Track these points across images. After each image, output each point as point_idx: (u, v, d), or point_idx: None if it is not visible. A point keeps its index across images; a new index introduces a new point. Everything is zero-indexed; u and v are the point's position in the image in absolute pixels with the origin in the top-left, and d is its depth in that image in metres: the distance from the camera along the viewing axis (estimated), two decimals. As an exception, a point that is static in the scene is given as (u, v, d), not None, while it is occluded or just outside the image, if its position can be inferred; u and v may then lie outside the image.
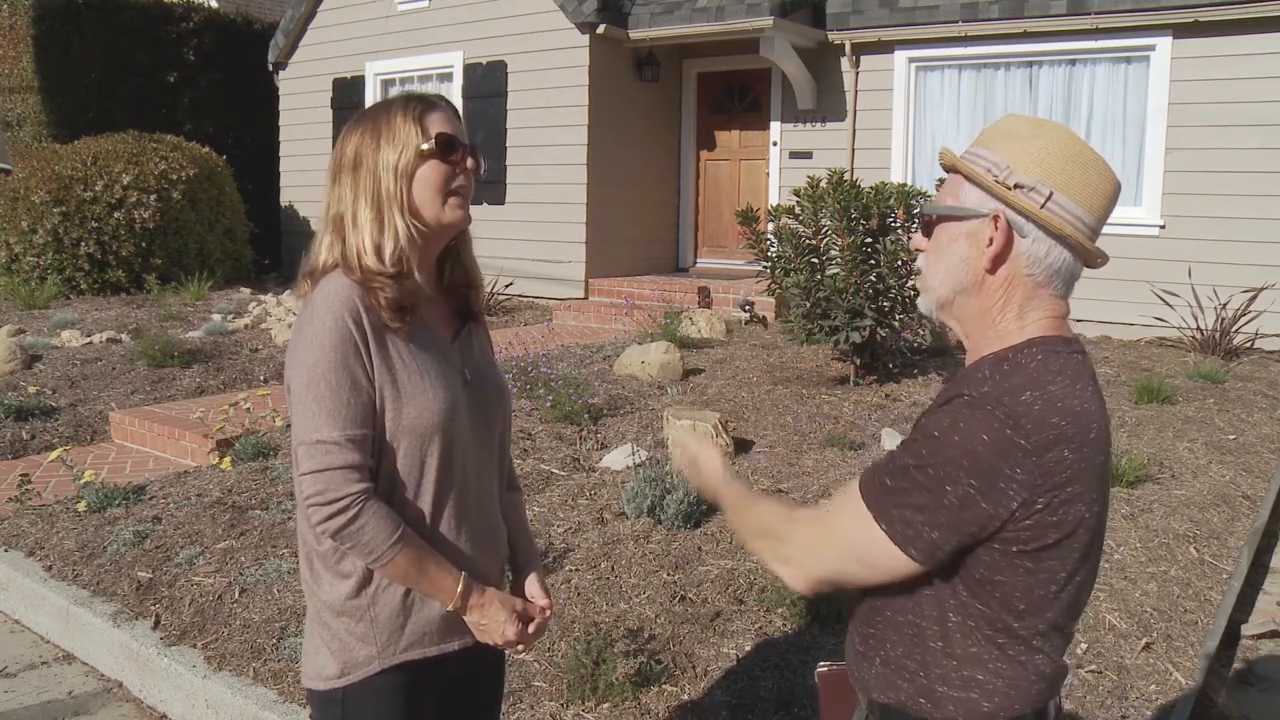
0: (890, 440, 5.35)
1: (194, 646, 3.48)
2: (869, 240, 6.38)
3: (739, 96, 11.21)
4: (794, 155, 10.67)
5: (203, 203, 11.66)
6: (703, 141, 11.50)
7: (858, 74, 10.10)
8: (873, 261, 6.34)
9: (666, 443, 5.21)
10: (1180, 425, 5.81)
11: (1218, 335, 7.83)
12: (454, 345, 1.79)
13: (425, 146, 1.67)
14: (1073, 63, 9.16)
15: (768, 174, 10.95)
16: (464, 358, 1.81)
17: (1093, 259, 1.39)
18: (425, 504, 1.70)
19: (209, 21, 14.33)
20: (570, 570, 3.82)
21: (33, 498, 4.92)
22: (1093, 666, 3.19)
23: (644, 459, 4.84)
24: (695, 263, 11.62)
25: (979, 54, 9.44)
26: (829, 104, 10.35)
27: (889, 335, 6.66)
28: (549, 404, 5.76)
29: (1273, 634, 3.73)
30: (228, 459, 5.32)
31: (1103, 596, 3.64)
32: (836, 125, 10.33)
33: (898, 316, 6.53)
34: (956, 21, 9.30)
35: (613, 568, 3.83)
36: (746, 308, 9.17)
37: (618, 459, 4.98)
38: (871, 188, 6.49)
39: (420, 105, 1.70)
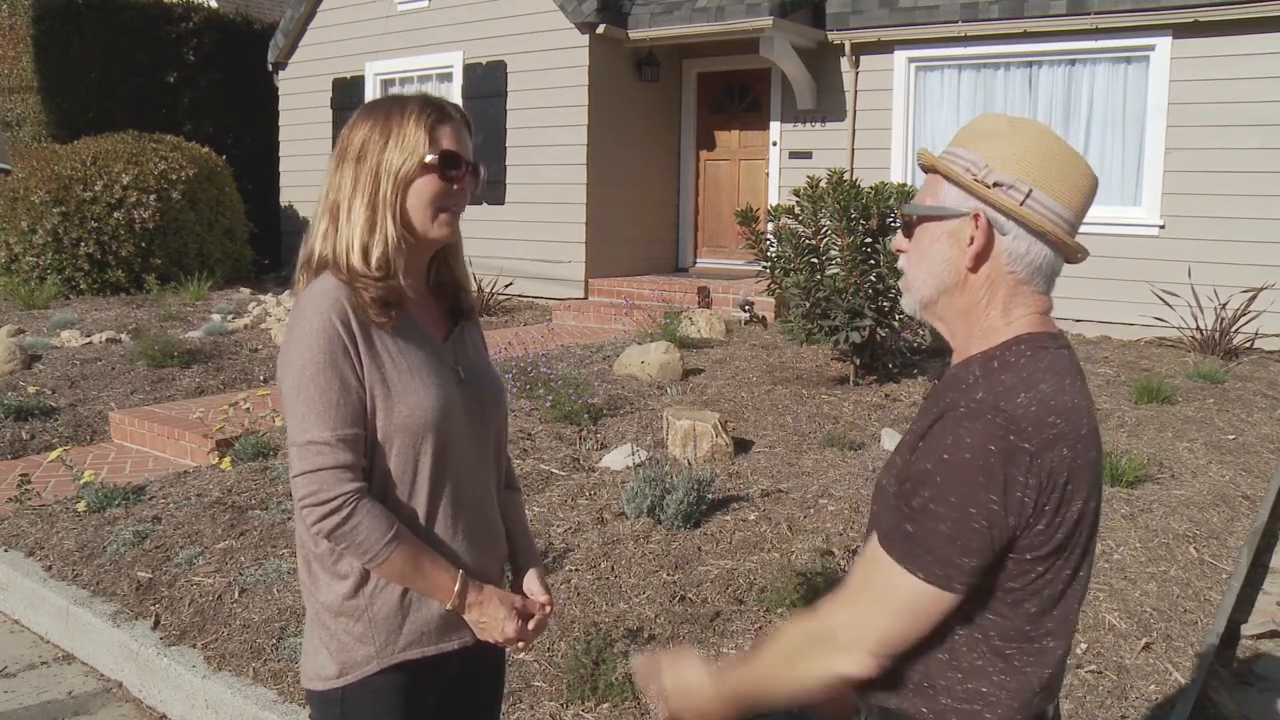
0: (890, 440, 5.35)
1: (194, 646, 3.48)
2: (869, 240, 6.38)
3: (739, 96, 11.21)
4: (794, 155, 10.67)
5: (202, 203, 11.66)
6: (703, 141, 11.50)
7: (857, 74, 10.10)
8: (873, 261, 6.34)
9: (666, 443, 5.22)
10: (1180, 425, 5.81)
11: (1217, 335, 7.83)
12: (446, 344, 1.80)
13: (429, 159, 1.67)
14: (1072, 63, 9.16)
15: (767, 174, 10.95)
16: (457, 356, 1.81)
17: (1073, 254, 1.41)
18: (420, 503, 1.70)
19: (209, 21, 14.33)
20: (570, 570, 3.82)
21: (32, 498, 4.92)
22: (1093, 666, 3.19)
23: (644, 459, 4.84)
24: (695, 263, 11.62)
25: (979, 54, 9.44)
26: (829, 104, 10.35)
27: (889, 335, 6.66)
28: (549, 404, 5.76)
29: (1273, 634, 3.73)
30: (227, 459, 5.32)
31: (1103, 596, 3.64)
32: (836, 125, 10.33)
33: (897, 316, 6.53)
34: (956, 21, 9.30)
35: (613, 568, 3.83)
36: (746, 308, 9.17)
37: (617, 459, 4.98)
38: (871, 188, 6.50)
39: (435, 114, 1.70)
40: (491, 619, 1.73)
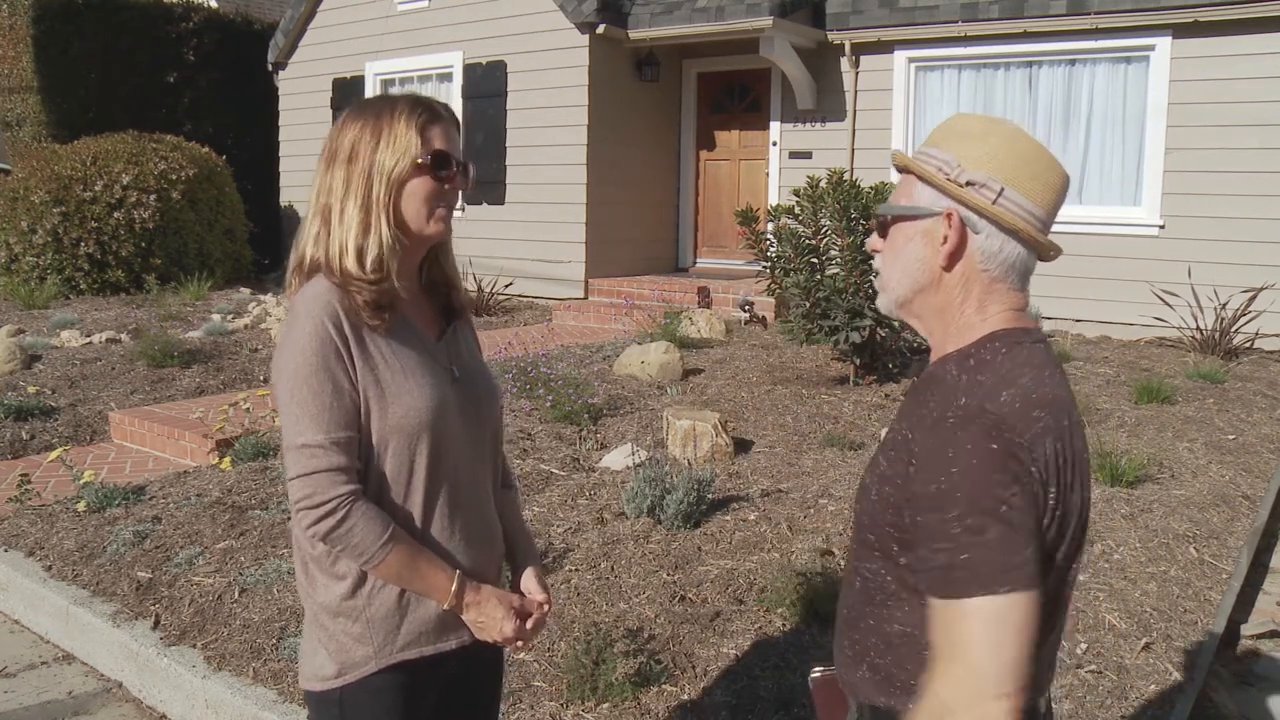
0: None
1: (194, 646, 3.48)
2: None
3: (739, 96, 11.21)
4: (794, 155, 10.67)
5: (202, 203, 11.66)
6: (703, 141, 11.50)
7: (857, 74, 10.10)
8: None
9: (666, 443, 5.22)
10: (1180, 425, 5.81)
11: (1217, 335, 7.83)
12: (439, 344, 1.80)
13: (421, 159, 1.68)
14: (1072, 63, 9.16)
15: (767, 174, 10.95)
16: (450, 355, 1.81)
17: (1045, 252, 1.41)
18: (416, 503, 1.71)
19: (209, 21, 14.34)
20: (570, 570, 3.82)
21: (32, 498, 4.92)
22: (1093, 666, 3.18)
23: (644, 459, 4.84)
24: (695, 263, 11.62)
25: (979, 54, 9.44)
26: (829, 104, 10.35)
27: (889, 335, 6.66)
28: (549, 404, 5.76)
29: (1273, 634, 3.73)
30: (227, 459, 5.32)
31: (1103, 596, 3.64)
32: (836, 125, 10.33)
33: (898, 316, 6.52)
34: (956, 21, 9.30)
35: (612, 568, 3.83)
36: (746, 308, 9.17)
37: (617, 459, 4.98)
38: (871, 188, 6.50)
39: (425, 114, 1.70)
40: (490, 619, 1.73)
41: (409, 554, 1.65)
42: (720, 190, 11.41)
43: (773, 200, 10.64)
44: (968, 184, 1.36)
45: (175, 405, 6.57)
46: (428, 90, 11.49)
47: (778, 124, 10.79)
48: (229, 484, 4.95)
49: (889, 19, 9.66)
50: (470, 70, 11.08)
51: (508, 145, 10.88)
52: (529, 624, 1.81)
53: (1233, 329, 7.81)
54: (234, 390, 7.04)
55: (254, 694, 3.16)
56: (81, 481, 4.90)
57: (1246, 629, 3.76)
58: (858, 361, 6.72)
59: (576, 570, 3.81)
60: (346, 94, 12.19)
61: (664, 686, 3.04)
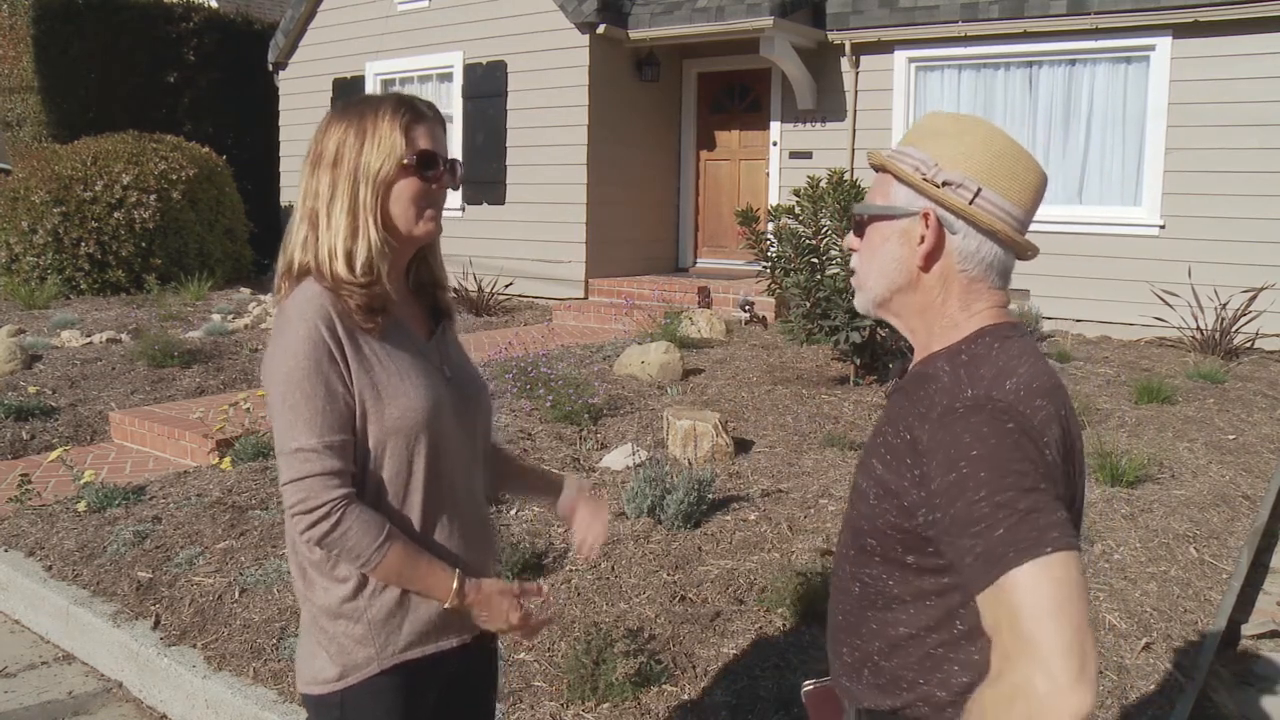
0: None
1: (194, 646, 3.48)
2: (869, 240, 6.38)
3: (739, 96, 11.21)
4: (794, 155, 10.67)
5: (203, 203, 11.66)
6: (703, 141, 11.50)
7: (858, 74, 10.10)
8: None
9: (666, 443, 5.22)
10: (1180, 425, 5.81)
11: (1218, 335, 7.83)
12: (430, 343, 1.80)
13: (407, 160, 1.66)
14: (1073, 63, 9.16)
15: (768, 174, 10.95)
16: (442, 356, 1.81)
17: (1023, 251, 1.40)
18: (415, 503, 1.70)
19: (209, 21, 14.34)
20: (570, 570, 3.82)
21: (33, 498, 4.92)
22: (1093, 666, 3.18)
23: (644, 459, 4.84)
24: (695, 263, 11.62)
25: (979, 54, 9.44)
26: (829, 104, 10.35)
27: (889, 335, 6.66)
28: (549, 404, 5.76)
29: (1273, 634, 3.73)
30: (228, 459, 5.32)
31: (1103, 596, 3.64)
32: (836, 125, 10.33)
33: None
34: (956, 21, 9.30)
35: (613, 568, 3.83)
36: (746, 308, 9.17)
37: (618, 459, 4.98)
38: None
39: (409, 114, 1.68)
40: (495, 610, 1.73)
41: (406, 555, 1.65)
42: (720, 190, 11.41)
43: (773, 200, 10.64)
44: (944, 184, 1.35)
45: (175, 405, 6.57)
46: (428, 90, 11.49)
47: (778, 124, 10.79)
48: (229, 484, 4.95)
49: (889, 19, 9.66)
50: (470, 70, 11.08)
51: (508, 145, 10.88)
52: (535, 611, 1.81)
53: (1233, 329, 7.81)
54: (234, 390, 7.04)
55: (254, 694, 3.16)
56: (82, 481, 4.90)
57: (1247, 629, 3.75)
58: (858, 361, 6.72)
59: (577, 570, 3.81)
60: (347, 94, 12.18)
61: (664, 686, 3.04)
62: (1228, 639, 3.64)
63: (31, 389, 6.83)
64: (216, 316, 9.51)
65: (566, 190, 10.48)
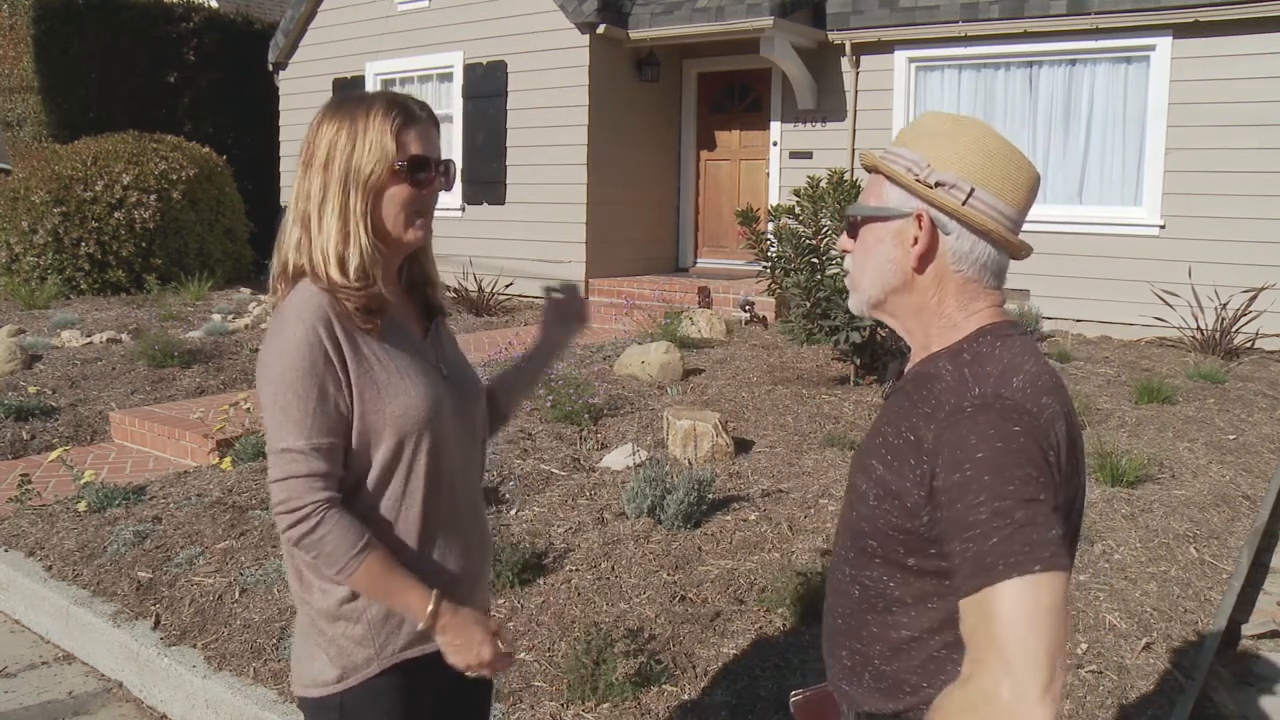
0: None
1: (194, 646, 3.48)
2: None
3: (739, 96, 11.21)
4: (794, 155, 10.67)
5: (203, 203, 11.67)
6: (703, 141, 11.50)
7: (858, 74, 10.10)
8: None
9: (666, 443, 5.22)
10: (1180, 425, 5.81)
11: (1218, 335, 7.83)
12: (426, 342, 1.80)
13: (398, 166, 1.65)
14: (1073, 63, 9.16)
15: (768, 174, 10.95)
16: (438, 354, 1.81)
17: (1017, 251, 1.40)
18: (417, 501, 1.70)
19: (209, 21, 14.35)
20: (570, 570, 3.82)
21: (33, 498, 4.92)
22: (1093, 666, 3.18)
23: (644, 459, 4.84)
24: (695, 263, 11.62)
25: (979, 54, 9.44)
26: (829, 104, 10.35)
27: (889, 335, 6.66)
28: (549, 404, 5.76)
29: (1273, 634, 3.73)
30: (228, 459, 5.32)
31: (1103, 596, 3.64)
32: (836, 125, 10.33)
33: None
34: (956, 21, 9.30)
35: (613, 568, 3.83)
36: (746, 308, 9.17)
37: (618, 459, 4.98)
38: (871, 188, 6.48)
39: (401, 117, 1.66)
40: (467, 641, 1.67)
41: (383, 567, 1.62)
42: (720, 190, 11.41)
43: (773, 200, 10.64)
44: (937, 185, 1.35)
45: (175, 405, 6.57)
46: (428, 90, 11.50)
47: (778, 124, 10.79)
48: (229, 484, 4.95)
49: (889, 19, 9.66)
50: (470, 70, 11.08)
51: (508, 145, 10.88)
52: (502, 648, 1.73)
53: (1233, 329, 7.81)
54: (234, 390, 7.04)
55: (254, 694, 3.16)
56: (82, 481, 4.90)
57: (1247, 629, 3.75)
58: (858, 361, 6.72)
59: (577, 570, 3.81)
60: (350, 92, 12.18)
61: (664, 686, 3.04)
62: (1228, 639, 3.64)
63: (31, 389, 6.83)
64: (216, 316, 9.51)
65: (566, 190, 10.48)
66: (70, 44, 13.13)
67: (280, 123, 13.26)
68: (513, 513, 4.38)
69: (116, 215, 10.77)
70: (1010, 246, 1.38)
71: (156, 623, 3.65)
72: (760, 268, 6.94)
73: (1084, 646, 3.31)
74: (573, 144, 10.35)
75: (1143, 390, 6.35)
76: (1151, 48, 8.67)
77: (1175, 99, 8.61)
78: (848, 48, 9.97)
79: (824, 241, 6.53)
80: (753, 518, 4.30)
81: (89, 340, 8.30)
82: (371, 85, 11.99)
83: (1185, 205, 8.60)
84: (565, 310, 2.09)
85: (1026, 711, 1.11)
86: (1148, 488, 4.75)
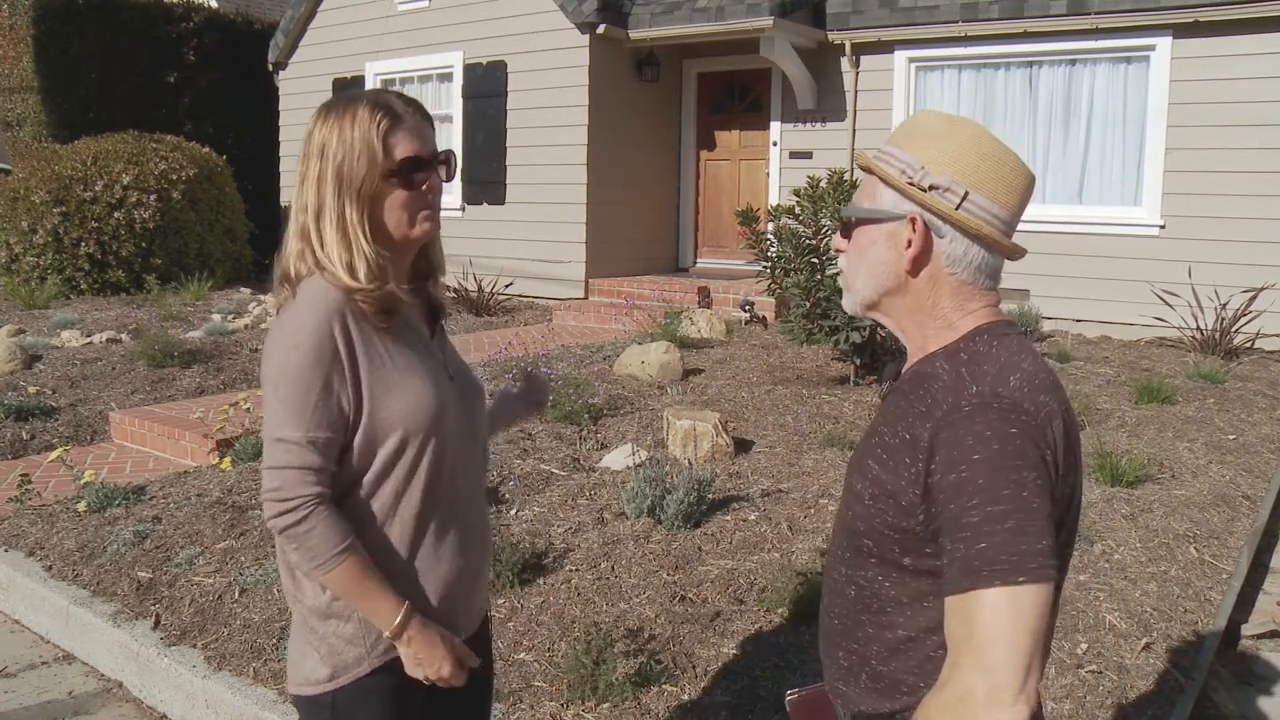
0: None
1: (194, 646, 3.48)
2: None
3: (739, 96, 11.21)
4: (794, 155, 10.67)
5: (203, 203, 11.67)
6: (703, 141, 11.50)
7: (858, 74, 10.10)
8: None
9: (666, 443, 5.22)
10: (1180, 425, 5.81)
11: (1218, 335, 7.83)
12: (434, 342, 1.80)
13: (389, 172, 1.65)
14: (1073, 63, 9.16)
15: (768, 174, 10.95)
16: (444, 355, 1.82)
17: (1011, 254, 1.40)
18: (417, 499, 1.70)
19: (209, 21, 14.35)
20: (570, 570, 3.82)
21: (33, 498, 4.92)
22: (1093, 666, 3.18)
23: (644, 459, 4.84)
24: (695, 263, 11.62)
25: (979, 54, 9.44)
26: (829, 104, 10.35)
27: (889, 335, 6.66)
28: (549, 404, 5.76)
29: (1273, 634, 3.73)
30: (228, 459, 5.32)
31: (1103, 596, 3.64)
32: (836, 125, 10.33)
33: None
34: (956, 21, 9.30)
35: (613, 568, 3.83)
36: (746, 308, 9.17)
37: (618, 459, 4.98)
38: (871, 188, 6.48)
39: (386, 120, 1.65)
40: (430, 656, 1.68)
41: (361, 571, 1.62)
42: (720, 190, 11.41)
43: (773, 200, 10.63)
44: (931, 188, 1.35)
45: (175, 405, 6.57)
46: (428, 90, 11.50)
47: (778, 124, 10.79)
48: (229, 484, 4.95)
49: (889, 19, 9.66)
50: (470, 70, 11.08)
51: (508, 145, 10.88)
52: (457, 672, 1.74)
53: (1233, 329, 7.81)
54: (234, 390, 7.04)
55: (254, 694, 3.17)
56: (82, 481, 4.91)
57: (1247, 629, 3.75)
58: (858, 361, 6.72)
59: (577, 570, 3.81)
60: (341, 93, 12.18)
61: (664, 686, 3.04)
62: (1228, 639, 3.64)
63: (31, 389, 6.83)
64: (216, 316, 9.51)
65: (566, 190, 10.48)
66: (70, 44, 13.13)
67: (280, 123, 13.26)
68: (513, 513, 4.38)
69: (116, 215, 10.77)
70: (1004, 249, 1.38)
71: (156, 623, 3.66)
72: (760, 268, 6.94)
73: (1084, 646, 3.31)
74: (573, 144, 10.35)
75: (1143, 390, 6.35)
76: (1151, 48, 8.67)
77: (1175, 99, 8.61)
78: (848, 48, 9.97)
79: (824, 241, 6.53)
80: (752, 518, 4.30)
81: (89, 340, 8.30)
82: (371, 85, 11.99)
83: (1185, 205, 8.60)
84: (532, 392, 2.19)
85: (1000, 714, 1.15)
86: (1148, 488, 4.75)
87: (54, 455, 5.24)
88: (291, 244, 1.69)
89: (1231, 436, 5.69)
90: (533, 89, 10.61)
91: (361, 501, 1.67)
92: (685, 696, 3.00)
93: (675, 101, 11.43)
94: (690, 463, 4.97)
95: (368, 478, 1.67)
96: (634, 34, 10.27)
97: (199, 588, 3.85)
